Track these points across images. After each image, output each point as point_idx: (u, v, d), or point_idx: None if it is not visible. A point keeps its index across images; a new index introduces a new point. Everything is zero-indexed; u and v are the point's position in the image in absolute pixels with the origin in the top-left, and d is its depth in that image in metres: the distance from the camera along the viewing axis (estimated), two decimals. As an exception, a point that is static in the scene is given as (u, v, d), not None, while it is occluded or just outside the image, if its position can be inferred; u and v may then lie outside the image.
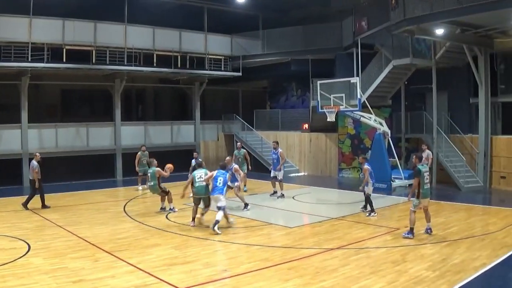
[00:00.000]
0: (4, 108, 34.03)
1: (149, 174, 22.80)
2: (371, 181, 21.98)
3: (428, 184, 17.18)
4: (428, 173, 17.19)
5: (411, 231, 16.82)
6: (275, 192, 26.59)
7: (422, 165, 17.29)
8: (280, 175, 26.33)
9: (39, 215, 21.50)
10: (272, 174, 26.71)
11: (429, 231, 17.32)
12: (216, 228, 18.05)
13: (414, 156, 18.12)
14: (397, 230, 18.20)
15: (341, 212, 22.16)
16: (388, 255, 14.97)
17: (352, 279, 12.76)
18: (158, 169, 22.41)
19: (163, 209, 22.64)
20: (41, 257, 14.81)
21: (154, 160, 23.30)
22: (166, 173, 22.32)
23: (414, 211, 16.90)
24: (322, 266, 13.93)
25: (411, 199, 17.17)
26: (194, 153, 28.96)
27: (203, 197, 19.72)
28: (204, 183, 19.74)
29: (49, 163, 25.99)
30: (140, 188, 29.48)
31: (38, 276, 12.94)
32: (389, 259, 14.45)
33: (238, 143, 31.19)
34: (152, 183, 22.48)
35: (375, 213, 21.56)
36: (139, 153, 29.80)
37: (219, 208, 18.73)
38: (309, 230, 19.22)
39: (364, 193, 22.16)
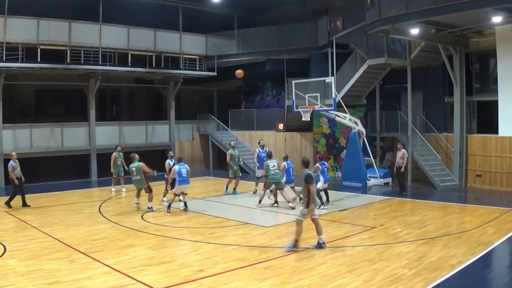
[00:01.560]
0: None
1: (133, 169, 22.72)
2: (323, 178, 23.01)
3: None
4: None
5: (296, 243, 15.60)
6: (256, 191, 26.68)
7: (310, 170, 16.10)
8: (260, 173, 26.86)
9: (14, 217, 21.35)
10: (258, 174, 27.31)
11: (323, 245, 15.74)
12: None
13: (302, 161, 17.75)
14: (373, 228, 18.30)
15: (317, 211, 22.02)
16: (365, 253, 15.02)
17: (329, 277, 12.78)
18: (143, 164, 22.64)
19: (150, 208, 22.77)
20: (17, 258, 14.70)
21: (136, 155, 23.24)
22: (149, 170, 22.63)
23: (302, 221, 15.71)
24: (298, 265, 13.95)
25: (304, 209, 15.87)
26: (170, 152, 28.22)
27: (277, 181, 23.62)
28: (278, 171, 23.77)
29: (24, 164, 25.84)
30: (113, 189, 29.18)
31: (14, 278, 12.85)
32: (366, 258, 14.49)
33: (232, 142, 30.29)
34: (138, 177, 22.71)
35: (325, 206, 23.02)
36: (114, 153, 29.22)
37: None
38: (285, 229, 19.12)
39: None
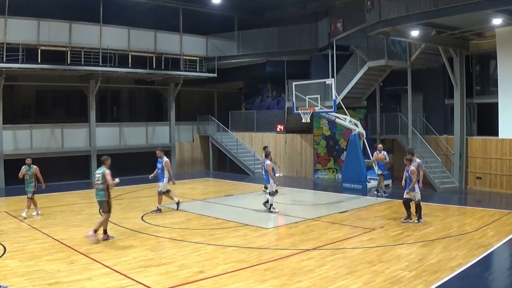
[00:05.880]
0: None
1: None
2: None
3: None
4: None
5: None
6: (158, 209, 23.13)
7: None
8: (161, 187, 22.98)
9: (15, 218, 21.35)
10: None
11: None
12: None
13: None
14: (373, 230, 18.26)
15: (316, 213, 22.24)
16: (365, 255, 15.02)
17: (329, 279, 12.79)
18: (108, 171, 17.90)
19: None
20: (17, 259, 14.72)
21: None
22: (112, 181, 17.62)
23: None
24: (298, 266, 13.95)
25: None
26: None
27: None
28: None
29: (24, 164, 25.67)
30: (24, 214, 21.66)
31: (14, 278, 12.86)
32: (366, 260, 14.51)
33: (28, 159, 22.30)
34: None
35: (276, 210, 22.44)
36: (23, 167, 22.13)
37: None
38: (285, 231, 19.21)
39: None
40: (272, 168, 22.37)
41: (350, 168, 29.91)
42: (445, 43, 28.31)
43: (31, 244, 16.63)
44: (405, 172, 20.23)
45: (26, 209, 21.68)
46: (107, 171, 17.76)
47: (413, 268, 13.53)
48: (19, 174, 21.94)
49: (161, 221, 20.69)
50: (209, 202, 25.67)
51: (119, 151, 36.15)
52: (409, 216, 19.94)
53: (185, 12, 38.37)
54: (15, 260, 14.65)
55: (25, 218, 21.14)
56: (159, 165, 22.91)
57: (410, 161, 20.15)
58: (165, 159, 22.96)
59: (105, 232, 17.41)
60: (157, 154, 23.19)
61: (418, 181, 20.34)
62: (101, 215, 18.01)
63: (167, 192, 23.10)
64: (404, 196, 20.09)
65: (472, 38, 29.10)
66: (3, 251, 15.70)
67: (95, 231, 17.05)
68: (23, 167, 21.91)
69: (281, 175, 37.51)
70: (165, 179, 22.74)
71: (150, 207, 23.22)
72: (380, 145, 27.19)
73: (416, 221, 19.73)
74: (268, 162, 22.49)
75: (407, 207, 20.04)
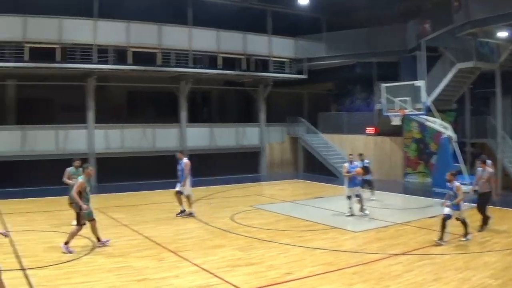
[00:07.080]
0: (71, 109, 34.67)
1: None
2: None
3: None
4: None
5: None
6: (182, 211, 22.46)
7: None
8: (186, 190, 22.23)
9: (105, 214, 21.99)
10: (177, 188, 22.42)
11: None
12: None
13: None
14: (461, 237, 18.07)
15: (406, 217, 22.15)
16: (452, 262, 14.91)
17: (416, 285, 12.79)
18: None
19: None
20: (105, 255, 15.33)
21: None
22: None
23: None
24: (386, 271, 13.98)
25: None
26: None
27: None
28: None
29: (115, 163, 26.38)
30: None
31: (101, 274, 13.38)
32: (453, 266, 14.39)
33: (77, 161, 20.33)
34: None
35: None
36: (69, 169, 20.18)
37: None
38: (374, 235, 19.13)
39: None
40: (349, 172, 22.31)
41: (440, 172, 29.64)
42: (534, 44, 27.90)
43: (120, 241, 17.28)
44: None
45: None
46: (81, 181, 16.18)
47: (499, 276, 13.35)
48: (65, 177, 19.89)
49: (250, 222, 21.04)
50: (299, 204, 25.87)
51: (209, 151, 36.85)
52: (442, 237, 17.48)
53: (273, 14, 38.94)
54: (103, 255, 15.30)
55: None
56: (179, 167, 22.19)
57: (454, 175, 18.36)
58: (185, 160, 22.13)
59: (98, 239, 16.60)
60: (178, 156, 22.45)
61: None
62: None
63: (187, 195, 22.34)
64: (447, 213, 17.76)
65: (562, 38, 28.59)
66: (92, 247, 16.35)
67: (66, 243, 15.72)
68: (70, 169, 20.03)
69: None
70: (188, 182, 22.13)
71: (239, 207, 23.71)
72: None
73: (463, 239, 17.79)
74: (345, 164, 22.87)
75: (444, 225, 17.52)
